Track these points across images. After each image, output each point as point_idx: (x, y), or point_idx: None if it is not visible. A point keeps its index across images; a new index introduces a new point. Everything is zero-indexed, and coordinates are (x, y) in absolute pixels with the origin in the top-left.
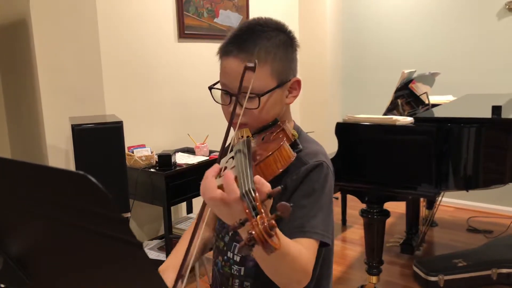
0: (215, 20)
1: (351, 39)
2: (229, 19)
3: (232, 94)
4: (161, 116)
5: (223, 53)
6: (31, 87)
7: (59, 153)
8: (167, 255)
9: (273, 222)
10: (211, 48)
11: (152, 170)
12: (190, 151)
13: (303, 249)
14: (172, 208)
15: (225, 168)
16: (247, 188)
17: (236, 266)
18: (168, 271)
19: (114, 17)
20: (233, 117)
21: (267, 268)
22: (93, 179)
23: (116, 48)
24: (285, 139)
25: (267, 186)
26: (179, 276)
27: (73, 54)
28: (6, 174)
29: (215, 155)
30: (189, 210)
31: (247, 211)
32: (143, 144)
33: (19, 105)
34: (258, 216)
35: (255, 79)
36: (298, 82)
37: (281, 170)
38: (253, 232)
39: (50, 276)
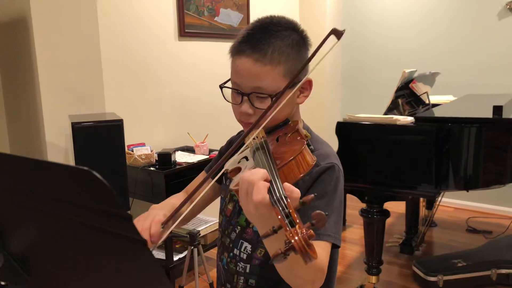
0: (216, 18)
1: (351, 38)
2: (230, 18)
3: (243, 94)
4: (161, 115)
5: (236, 52)
6: (31, 85)
7: (59, 151)
8: (166, 254)
9: (312, 232)
10: (212, 47)
11: (151, 168)
12: (189, 149)
13: (319, 250)
14: None
15: (239, 169)
16: (278, 195)
17: (242, 264)
18: (165, 210)
19: (114, 15)
20: (247, 117)
21: (283, 271)
22: (98, 175)
23: (116, 46)
24: (305, 143)
25: (297, 193)
26: (172, 216)
27: (73, 52)
28: (7, 170)
29: (215, 154)
30: None
31: (279, 217)
32: (142, 142)
33: (18, 103)
34: (297, 225)
35: (267, 79)
36: (310, 82)
37: (302, 176)
38: (293, 241)
39: (51, 272)
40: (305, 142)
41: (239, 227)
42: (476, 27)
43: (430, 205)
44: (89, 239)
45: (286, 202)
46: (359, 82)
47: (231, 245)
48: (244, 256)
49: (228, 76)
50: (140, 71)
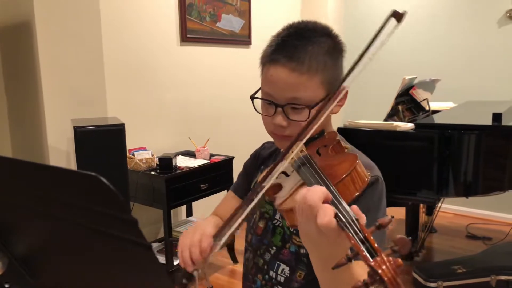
0: (217, 24)
1: (352, 44)
2: (231, 24)
3: (278, 105)
4: (162, 119)
5: (269, 60)
6: (34, 89)
7: (61, 154)
8: (166, 258)
9: (400, 260)
10: (213, 52)
11: (152, 172)
12: (190, 154)
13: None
14: (172, 211)
15: (279, 186)
16: (348, 218)
17: (280, 287)
18: (211, 223)
19: (117, 20)
20: (281, 129)
21: None
22: (105, 181)
23: (119, 51)
24: (358, 156)
25: (363, 216)
26: (223, 227)
27: (76, 56)
28: (14, 174)
29: (216, 158)
30: (189, 213)
31: (353, 242)
32: (144, 146)
33: (21, 106)
34: (379, 253)
35: (305, 90)
36: (346, 91)
37: (357, 194)
38: (380, 271)
39: (55, 276)
40: (358, 156)
41: (274, 248)
42: (477, 34)
43: (430, 211)
44: (95, 243)
45: (359, 226)
46: (359, 88)
47: (265, 267)
48: (282, 279)
49: (227, 82)
50: (142, 76)
